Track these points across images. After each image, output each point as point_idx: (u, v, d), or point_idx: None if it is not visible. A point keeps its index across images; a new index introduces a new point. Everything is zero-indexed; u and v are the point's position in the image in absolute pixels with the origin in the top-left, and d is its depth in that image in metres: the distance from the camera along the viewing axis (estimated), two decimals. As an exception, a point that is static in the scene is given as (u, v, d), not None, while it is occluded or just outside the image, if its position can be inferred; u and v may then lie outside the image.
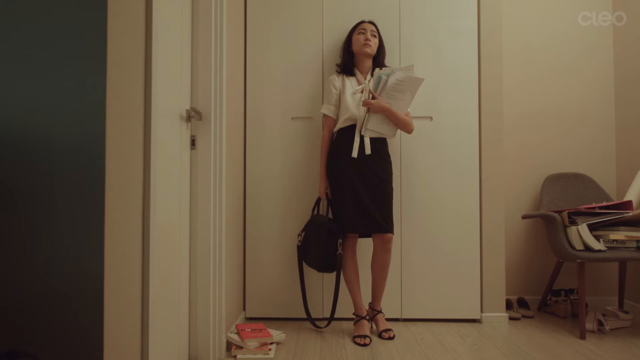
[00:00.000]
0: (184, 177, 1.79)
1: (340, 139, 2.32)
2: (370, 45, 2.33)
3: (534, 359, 1.95)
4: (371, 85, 2.27)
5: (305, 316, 2.41)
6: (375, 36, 2.37)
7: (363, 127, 2.25)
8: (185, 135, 1.81)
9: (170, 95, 1.61)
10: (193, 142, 1.87)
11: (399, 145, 2.53)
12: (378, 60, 2.40)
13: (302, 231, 2.41)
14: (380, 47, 2.41)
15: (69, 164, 0.99)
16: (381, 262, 2.28)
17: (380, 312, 2.33)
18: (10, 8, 0.99)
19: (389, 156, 2.34)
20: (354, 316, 2.33)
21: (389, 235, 2.24)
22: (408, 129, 2.32)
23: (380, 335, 2.23)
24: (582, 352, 2.04)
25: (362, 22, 2.41)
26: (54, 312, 0.97)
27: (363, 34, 2.35)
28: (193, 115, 1.81)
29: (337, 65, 2.45)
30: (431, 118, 2.52)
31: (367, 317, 2.31)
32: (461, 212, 2.52)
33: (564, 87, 2.97)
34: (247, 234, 2.57)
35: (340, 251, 2.23)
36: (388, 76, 2.19)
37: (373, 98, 2.22)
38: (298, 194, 2.56)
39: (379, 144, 2.29)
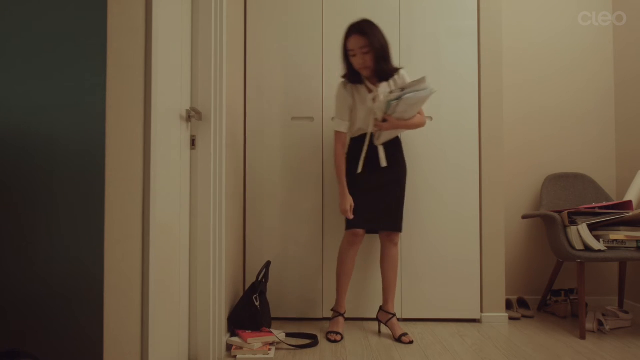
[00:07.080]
0: (184, 177, 1.79)
1: (353, 148, 2.31)
2: (367, 66, 2.18)
3: (534, 359, 1.95)
4: (381, 106, 2.16)
5: (309, 316, 2.52)
6: (366, 52, 2.14)
7: (375, 140, 2.24)
8: (185, 135, 1.81)
9: (170, 95, 1.61)
10: (193, 142, 1.87)
11: (399, 145, 2.53)
12: (381, 65, 2.18)
13: None
14: (378, 57, 2.16)
15: (69, 163, 0.99)
16: (389, 257, 2.29)
17: (394, 315, 2.28)
18: (11, 9, 0.99)
19: (403, 159, 2.33)
20: (331, 312, 2.33)
21: (397, 232, 2.29)
22: (419, 128, 2.32)
23: (400, 340, 2.17)
24: (582, 352, 2.04)
25: (349, 35, 2.17)
26: (54, 312, 0.98)
27: (354, 56, 2.17)
28: (193, 115, 1.81)
29: (342, 76, 2.30)
30: (431, 118, 2.52)
31: (344, 315, 2.30)
32: (461, 211, 2.51)
33: (564, 87, 2.97)
34: (247, 234, 2.57)
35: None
36: (399, 99, 2.08)
37: (384, 119, 2.17)
38: (298, 194, 2.56)
39: (394, 147, 2.28)
